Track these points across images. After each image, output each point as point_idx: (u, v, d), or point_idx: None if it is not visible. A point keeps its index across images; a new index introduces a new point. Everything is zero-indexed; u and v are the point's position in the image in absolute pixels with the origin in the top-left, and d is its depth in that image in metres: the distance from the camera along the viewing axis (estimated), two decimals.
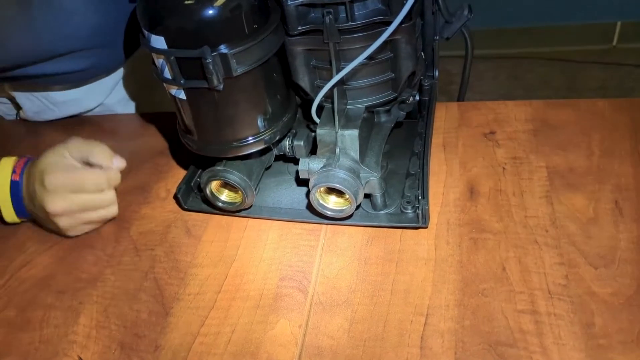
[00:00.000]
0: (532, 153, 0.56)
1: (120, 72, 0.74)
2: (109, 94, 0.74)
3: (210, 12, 0.40)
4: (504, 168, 0.55)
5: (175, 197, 0.56)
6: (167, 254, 0.53)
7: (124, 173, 0.60)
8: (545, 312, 0.42)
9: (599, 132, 0.57)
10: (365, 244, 0.50)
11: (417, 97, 0.57)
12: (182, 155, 0.64)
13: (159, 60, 0.43)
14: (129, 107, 0.77)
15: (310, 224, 0.53)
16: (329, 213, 0.50)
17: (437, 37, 0.56)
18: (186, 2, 0.40)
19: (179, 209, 0.57)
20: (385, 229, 0.51)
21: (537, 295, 0.44)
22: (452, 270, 0.47)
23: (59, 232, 0.55)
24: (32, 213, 0.55)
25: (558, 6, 1.94)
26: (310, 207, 0.52)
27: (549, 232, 0.48)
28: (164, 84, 0.46)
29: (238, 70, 0.42)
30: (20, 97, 0.72)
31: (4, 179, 0.54)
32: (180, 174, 0.62)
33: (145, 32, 0.43)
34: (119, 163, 0.55)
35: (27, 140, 0.73)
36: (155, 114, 0.74)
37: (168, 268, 0.52)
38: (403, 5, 0.41)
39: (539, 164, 0.55)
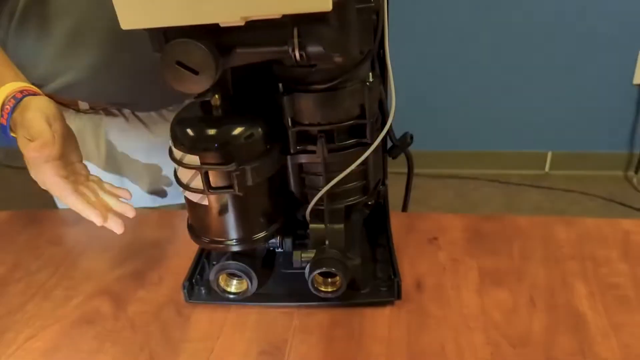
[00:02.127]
0: (467, 256, 0.69)
1: None
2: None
3: (241, 137, 0.53)
4: (444, 267, 0.68)
5: (183, 291, 0.64)
6: (161, 330, 0.61)
7: (122, 260, 0.70)
8: None
9: (518, 242, 0.71)
10: (331, 325, 0.61)
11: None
12: (171, 248, 0.74)
13: (188, 173, 0.55)
14: None
15: (285, 308, 0.63)
16: (324, 295, 0.60)
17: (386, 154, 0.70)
18: (215, 130, 0.53)
19: (171, 292, 0.66)
20: (347, 314, 0.62)
21: None
22: (403, 348, 0.57)
23: None
24: None
25: (499, 134, 2.21)
26: (285, 292, 0.62)
27: (479, 319, 0.60)
28: (185, 192, 0.58)
29: (256, 180, 0.55)
30: None
31: None
32: (169, 263, 0.71)
33: (179, 153, 0.55)
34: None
35: (28, 231, 0.82)
36: (148, 210, 0.84)
37: (161, 342, 0.60)
38: (377, 132, 0.56)
39: (472, 265, 0.68)
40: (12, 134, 0.64)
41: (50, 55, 0.76)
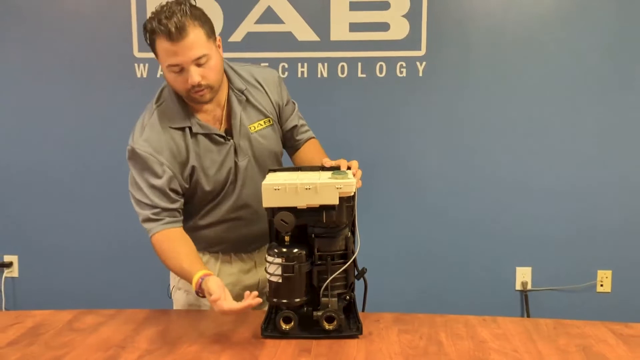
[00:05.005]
0: (394, 325, 1.42)
1: None
2: None
3: (297, 253, 1.32)
4: (382, 327, 1.40)
5: (262, 329, 1.35)
6: (251, 347, 1.30)
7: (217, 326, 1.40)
8: None
9: (427, 326, 1.46)
10: (331, 345, 1.31)
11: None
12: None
13: (274, 267, 1.32)
14: None
15: (309, 339, 1.33)
16: (328, 329, 1.32)
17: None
18: (287, 249, 1.32)
19: (250, 336, 1.35)
20: (339, 343, 1.32)
21: None
22: (362, 352, 1.28)
23: None
24: None
25: None
26: (310, 332, 1.34)
27: (410, 345, 1.32)
28: (271, 277, 1.33)
29: (303, 270, 1.32)
30: None
31: None
32: (244, 325, 1.40)
33: (270, 257, 1.32)
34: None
35: None
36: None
37: (252, 349, 1.28)
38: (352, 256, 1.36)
39: (395, 329, 1.41)
40: (200, 295, 1.39)
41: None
